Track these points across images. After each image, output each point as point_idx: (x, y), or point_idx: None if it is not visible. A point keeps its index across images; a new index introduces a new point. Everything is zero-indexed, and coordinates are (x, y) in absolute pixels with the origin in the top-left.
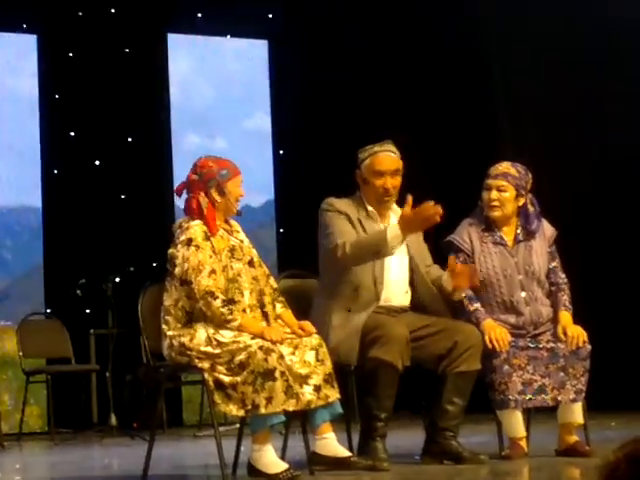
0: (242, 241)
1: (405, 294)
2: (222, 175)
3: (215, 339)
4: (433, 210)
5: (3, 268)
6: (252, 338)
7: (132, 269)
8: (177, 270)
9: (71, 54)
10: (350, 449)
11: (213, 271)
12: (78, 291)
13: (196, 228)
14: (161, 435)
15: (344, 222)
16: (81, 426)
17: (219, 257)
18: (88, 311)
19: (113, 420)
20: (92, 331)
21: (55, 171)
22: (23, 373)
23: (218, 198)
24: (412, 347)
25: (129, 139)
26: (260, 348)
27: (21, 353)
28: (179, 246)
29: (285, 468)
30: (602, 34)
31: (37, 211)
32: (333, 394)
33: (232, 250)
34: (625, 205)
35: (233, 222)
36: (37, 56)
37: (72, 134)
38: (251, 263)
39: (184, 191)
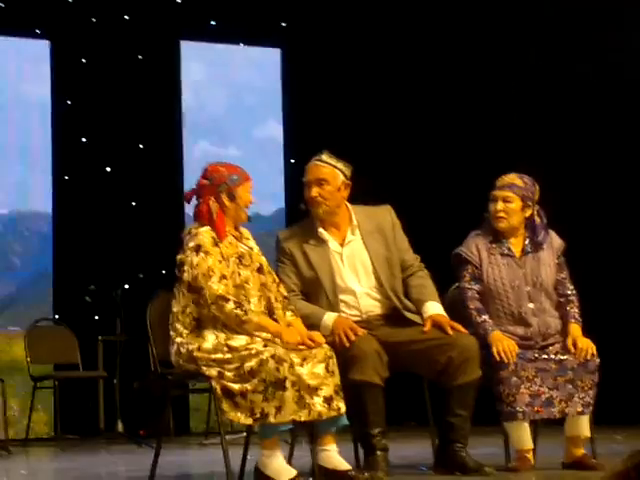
0: (252, 248)
1: (378, 302)
2: (233, 180)
3: (227, 345)
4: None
5: (12, 273)
6: (264, 345)
7: (141, 276)
8: (186, 276)
9: (84, 60)
10: (357, 460)
11: (223, 276)
12: (87, 297)
13: (205, 235)
14: (168, 442)
15: (287, 271)
16: (88, 432)
17: (227, 263)
18: (97, 318)
19: (120, 427)
20: (100, 338)
21: (66, 177)
22: (31, 379)
23: (228, 203)
24: (408, 361)
25: (140, 146)
26: (272, 357)
27: (29, 359)
28: (188, 252)
29: (294, 475)
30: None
31: (47, 217)
32: (343, 406)
33: (240, 257)
34: (635, 218)
35: (243, 229)
36: (50, 62)
37: (84, 140)
38: (260, 270)
39: (193, 197)
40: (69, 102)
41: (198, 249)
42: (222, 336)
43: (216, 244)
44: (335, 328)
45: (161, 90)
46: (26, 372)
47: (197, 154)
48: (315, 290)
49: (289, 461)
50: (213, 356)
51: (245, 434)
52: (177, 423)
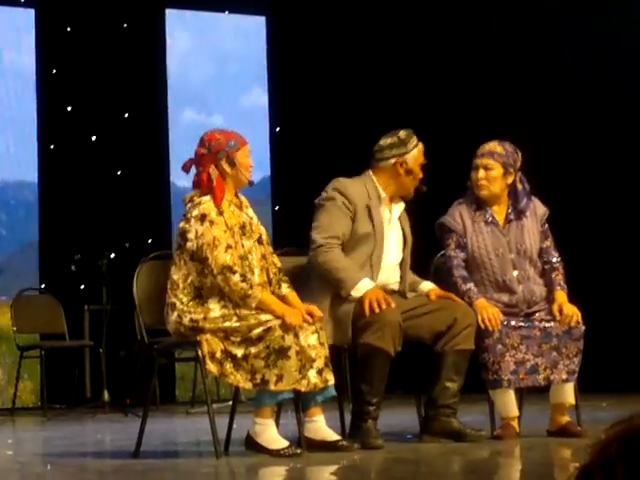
0: (252, 218)
1: (397, 277)
2: (231, 146)
3: (236, 313)
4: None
5: None
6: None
7: (127, 245)
8: (189, 245)
9: (69, 29)
10: (342, 428)
11: (229, 246)
12: (73, 267)
13: (209, 204)
14: (154, 411)
15: (341, 217)
16: (74, 402)
17: (232, 233)
18: (82, 287)
19: (106, 396)
20: (86, 307)
21: (51, 146)
22: (17, 348)
23: (228, 169)
24: (410, 324)
25: (126, 115)
26: (280, 325)
27: (15, 328)
28: (192, 221)
29: (286, 445)
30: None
31: (33, 186)
32: (331, 377)
33: (242, 227)
34: (621, 185)
35: (242, 197)
36: (35, 30)
37: (69, 109)
38: (260, 240)
39: (192, 167)
40: (54, 71)
41: (203, 218)
42: (230, 305)
43: (220, 213)
44: (368, 293)
45: (146, 58)
46: (12, 341)
47: (182, 123)
48: (359, 248)
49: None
50: (220, 325)
51: (231, 403)
52: (163, 392)
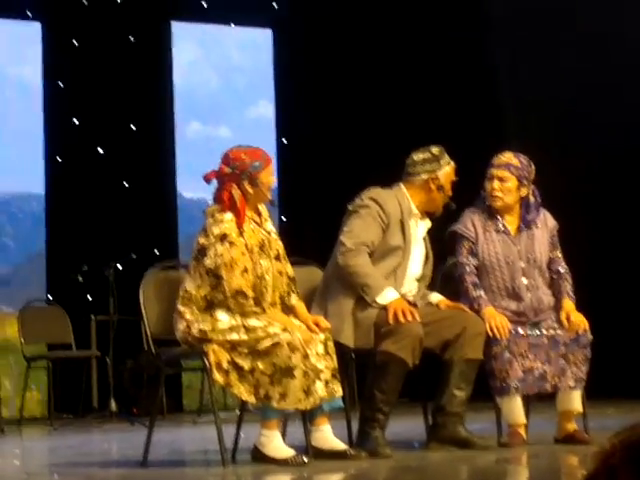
0: (270, 233)
1: (415, 292)
2: (255, 167)
3: (244, 325)
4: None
5: (5, 254)
6: (283, 330)
7: (134, 256)
8: (207, 261)
9: (75, 42)
10: (349, 437)
11: (245, 270)
12: (80, 277)
13: (231, 224)
14: (161, 421)
15: (374, 226)
16: (81, 412)
17: (251, 255)
18: (89, 297)
19: (113, 406)
20: (93, 317)
21: (58, 158)
22: (24, 359)
23: (250, 190)
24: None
25: (132, 127)
26: (288, 344)
27: (22, 339)
28: (212, 239)
29: (293, 454)
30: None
31: (40, 198)
32: (339, 389)
33: (262, 246)
34: (629, 196)
35: (263, 209)
36: (41, 44)
37: (76, 122)
38: (277, 257)
39: (213, 180)
40: (61, 84)
41: (224, 238)
42: (238, 317)
43: (241, 234)
44: (394, 303)
45: (153, 71)
46: (19, 352)
47: (189, 135)
48: (387, 260)
49: (282, 439)
50: (228, 337)
51: (238, 412)
52: (170, 401)
